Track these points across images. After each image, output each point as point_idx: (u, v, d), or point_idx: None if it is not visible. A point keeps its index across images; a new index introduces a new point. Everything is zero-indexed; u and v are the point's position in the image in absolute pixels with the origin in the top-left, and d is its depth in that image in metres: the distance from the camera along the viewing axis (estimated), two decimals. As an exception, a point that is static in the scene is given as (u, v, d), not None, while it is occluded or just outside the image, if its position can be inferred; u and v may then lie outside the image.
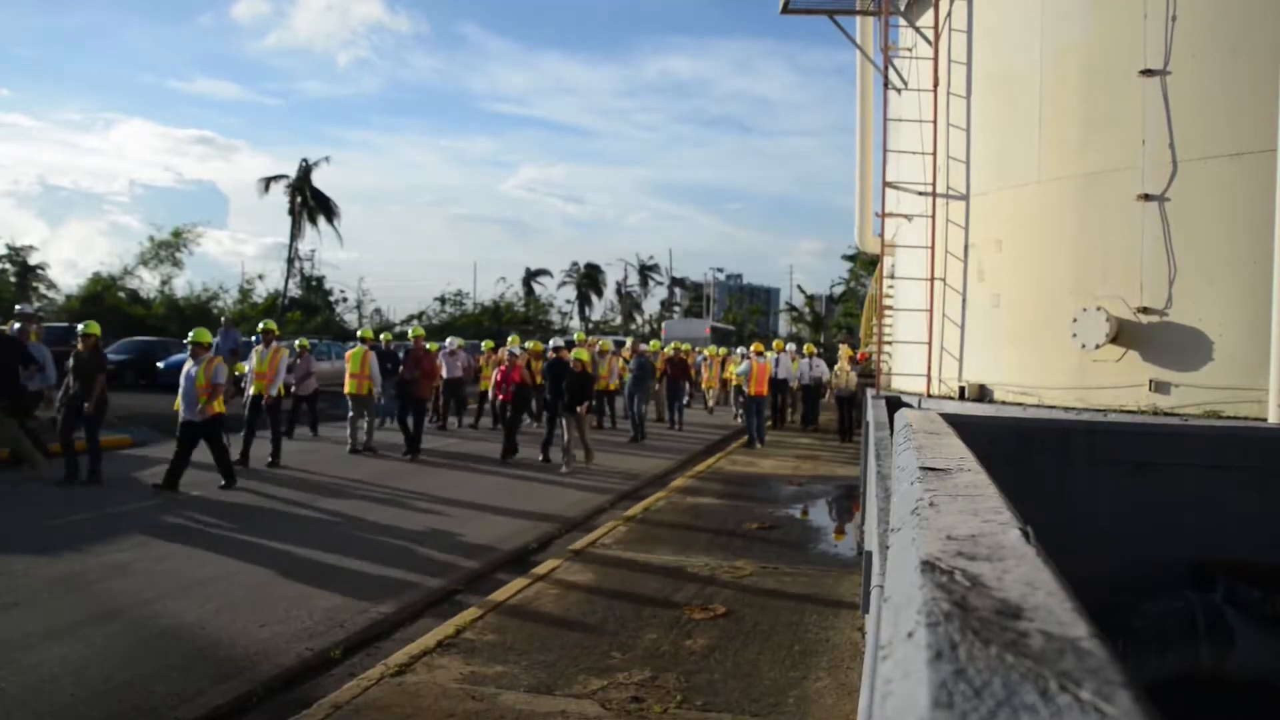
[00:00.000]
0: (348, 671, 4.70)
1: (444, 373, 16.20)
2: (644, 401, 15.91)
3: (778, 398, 18.04)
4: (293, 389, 13.80)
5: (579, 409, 11.56)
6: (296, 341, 14.91)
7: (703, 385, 22.39)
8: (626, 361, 17.72)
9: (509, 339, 16.92)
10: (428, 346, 13.97)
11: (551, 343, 13.97)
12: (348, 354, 13.24)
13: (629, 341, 19.84)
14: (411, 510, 8.85)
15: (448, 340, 17.17)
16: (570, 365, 11.73)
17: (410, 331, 13.34)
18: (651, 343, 22.88)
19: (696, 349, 24.56)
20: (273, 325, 11.91)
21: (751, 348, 16.72)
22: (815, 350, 19.41)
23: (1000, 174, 7.69)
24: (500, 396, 12.74)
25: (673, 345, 19.64)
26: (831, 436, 16.74)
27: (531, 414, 14.36)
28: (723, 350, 23.56)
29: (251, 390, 11.34)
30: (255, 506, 8.71)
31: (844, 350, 17.02)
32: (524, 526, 8.25)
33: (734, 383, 19.55)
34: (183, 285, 39.60)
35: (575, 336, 19.20)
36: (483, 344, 17.69)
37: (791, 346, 19.89)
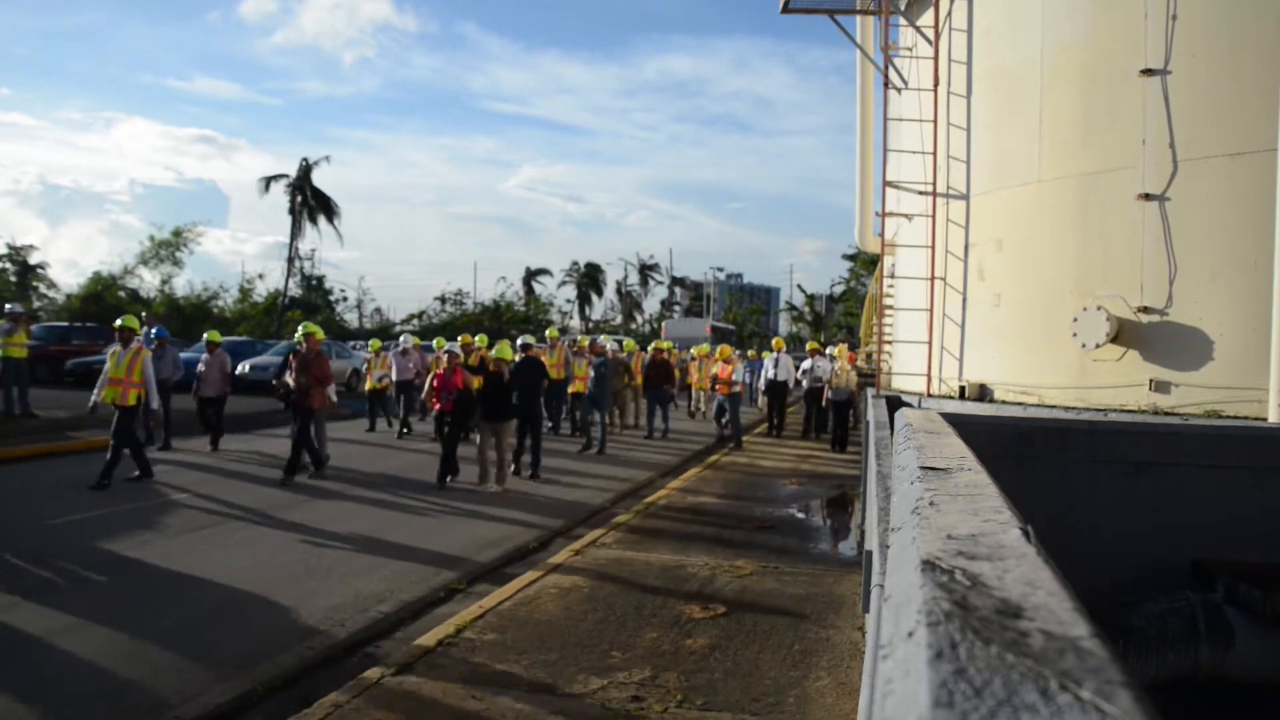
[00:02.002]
0: (348, 671, 4.70)
1: (394, 374, 15.01)
2: (605, 408, 14.12)
3: (774, 402, 16.63)
4: (195, 389, 12.36)
5: (512, 420, 9.91)
6: (205, 336, 13.00)
7: (693, 386, 20.57)
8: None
9: (460, 338, 15.02)
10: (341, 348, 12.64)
11: (520, 340, 12.51)
12: (291, 356, 11.23)
13: (588, 341, 16.99)
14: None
15: (401, 337, 15.73)
16: (491, 367, 10.04)
17: (301, 329, 10.52)
18: (626, 342, 19.20)
19: (682, 348, 23.16)
20: (132, 322, 10.00)
21: (718, 353, 15.08)
22: (818, 346, 17.17)
23: (1000, 173, 7.69)
24: (436, 405, 10.37)
25: (654, 345, 17.22)
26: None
27: (467, 430, 11.42)
28: (703, 349, 20.90)
29: (100, 397, 9.49)
30: (254, 509, 8.70)
31: (841, 349, 15.79)
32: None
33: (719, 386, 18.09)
34: (183, 285, 39.75)
35: (548, 333, 16.93)
36: (434, 342, 15.85)
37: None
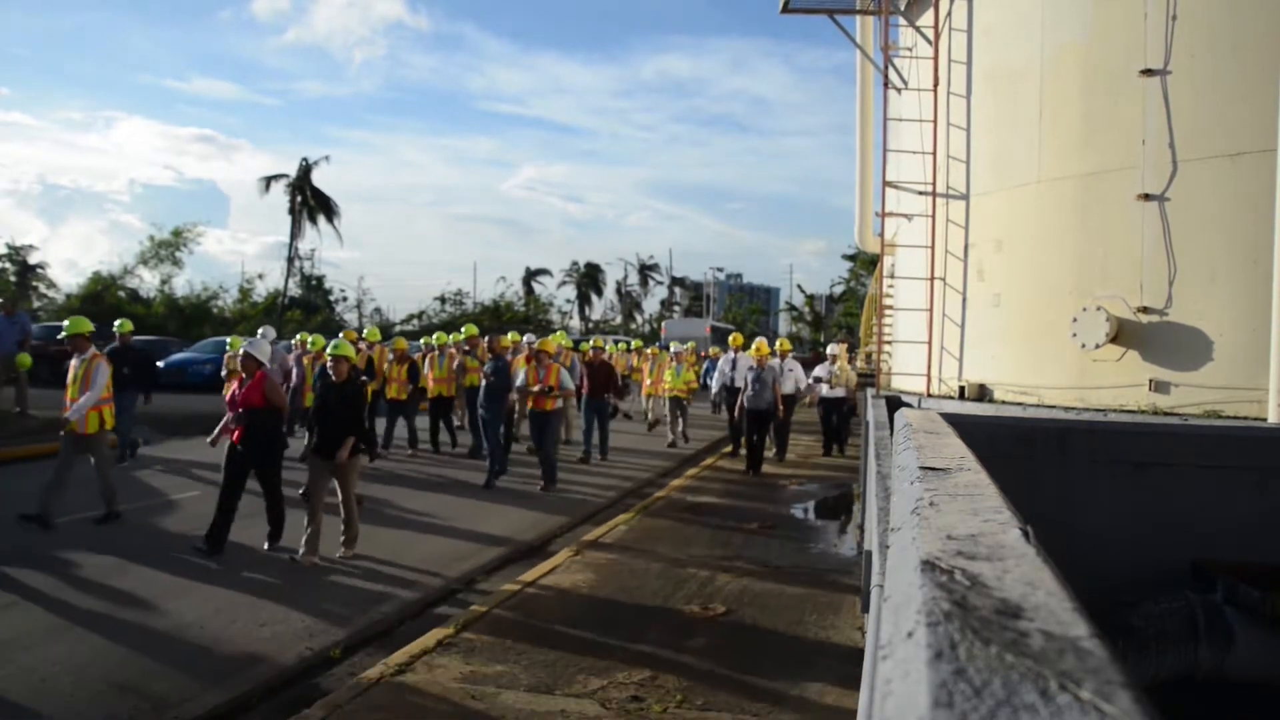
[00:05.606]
0: (348, 671, 4.70)
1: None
2: (497, 425, 10.56)
3: (733, 412, 12.73)
4: None
5: (342, 451, 6.65)
6: None
7: (643, 391, 17.28)
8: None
9: (302, 335, 12.74)
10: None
11: (337, 336, 9.60)
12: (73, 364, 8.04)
13: (487, 338, 13.22)
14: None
15: (260, 330, 12.11)
16: (330, 371, 7.02)
17: None
18: (557, 334, 14.54)
19: (632, 348, 22.10)
20: None
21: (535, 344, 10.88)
22: (791, 349, 13.45)
23: (1000, 174, 7.69)
24: (232, 433, 7.05)
25: (592, 343, 13.62)
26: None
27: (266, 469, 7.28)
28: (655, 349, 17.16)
29: None
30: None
31: (840, 349, 14.01)
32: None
33: (669, 392, 14.38)
34: (183, 284, 39.71)
35: (465, 330, 13.52)
36: (300, 337, 12.60)
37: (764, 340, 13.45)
